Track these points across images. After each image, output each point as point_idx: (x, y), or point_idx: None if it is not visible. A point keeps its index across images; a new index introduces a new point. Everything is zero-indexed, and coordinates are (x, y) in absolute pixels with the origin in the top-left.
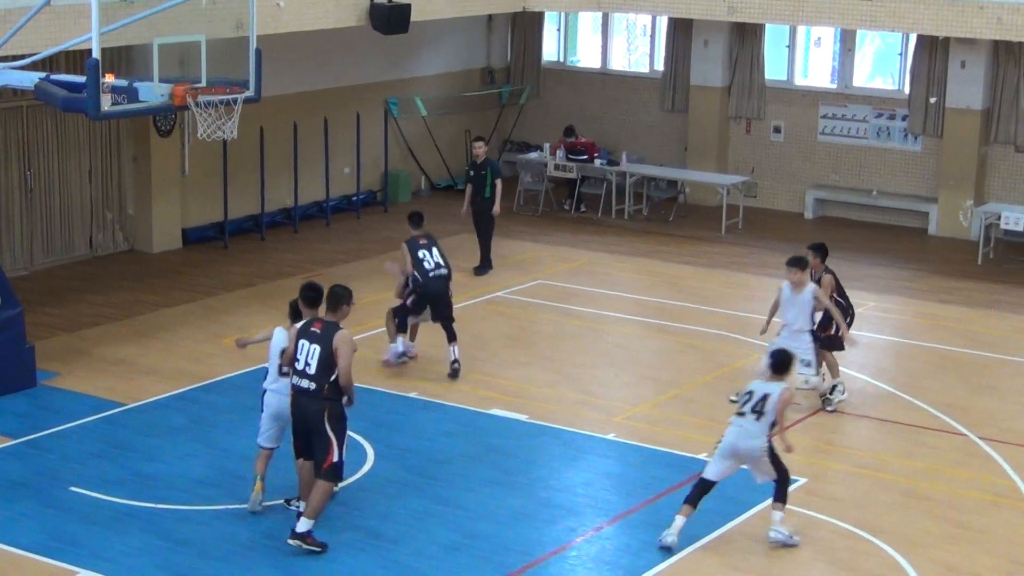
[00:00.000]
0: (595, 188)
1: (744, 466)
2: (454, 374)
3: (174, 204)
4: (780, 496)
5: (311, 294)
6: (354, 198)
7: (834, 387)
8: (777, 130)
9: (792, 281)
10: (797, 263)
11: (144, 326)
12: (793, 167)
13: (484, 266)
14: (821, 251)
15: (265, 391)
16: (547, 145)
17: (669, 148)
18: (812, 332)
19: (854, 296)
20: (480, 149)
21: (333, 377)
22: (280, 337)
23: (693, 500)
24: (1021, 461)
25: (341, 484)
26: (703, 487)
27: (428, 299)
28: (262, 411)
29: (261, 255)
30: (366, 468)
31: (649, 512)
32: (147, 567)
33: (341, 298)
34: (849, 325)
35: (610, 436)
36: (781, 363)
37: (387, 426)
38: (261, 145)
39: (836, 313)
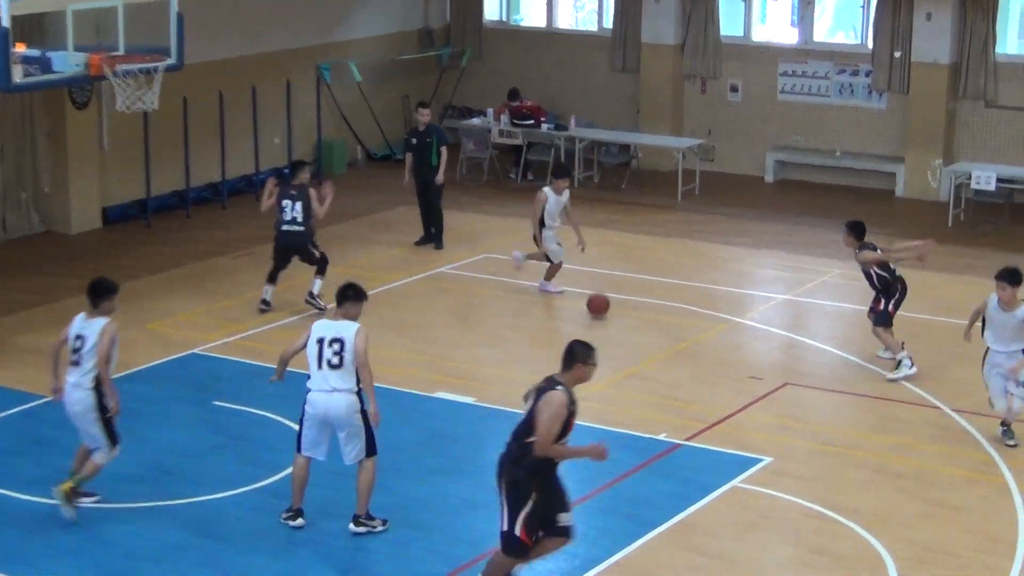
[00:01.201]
0: (542, 155)
1: None
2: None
3: (92, 181)
4: None
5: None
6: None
7: (899, 362)
8: (734, 89)
9: (1001, 298)
10: (1007, 277)
11: (63, 312)
12: (752, 128)
13: (438, 239)
14: (857, 229)
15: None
16: (491, 110)
17: (620, 111)
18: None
19: (818, 263)
20: (425, 115)
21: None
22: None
23: None
24: (997, 434)
25: (273, 478)
26: None
27: (280, 252)
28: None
29: (187, 234)
30: None
31: (607, 497)
32: (70, 570)
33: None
34: (900, 300)
35: None
36: None
37: None
38: (185, 116)
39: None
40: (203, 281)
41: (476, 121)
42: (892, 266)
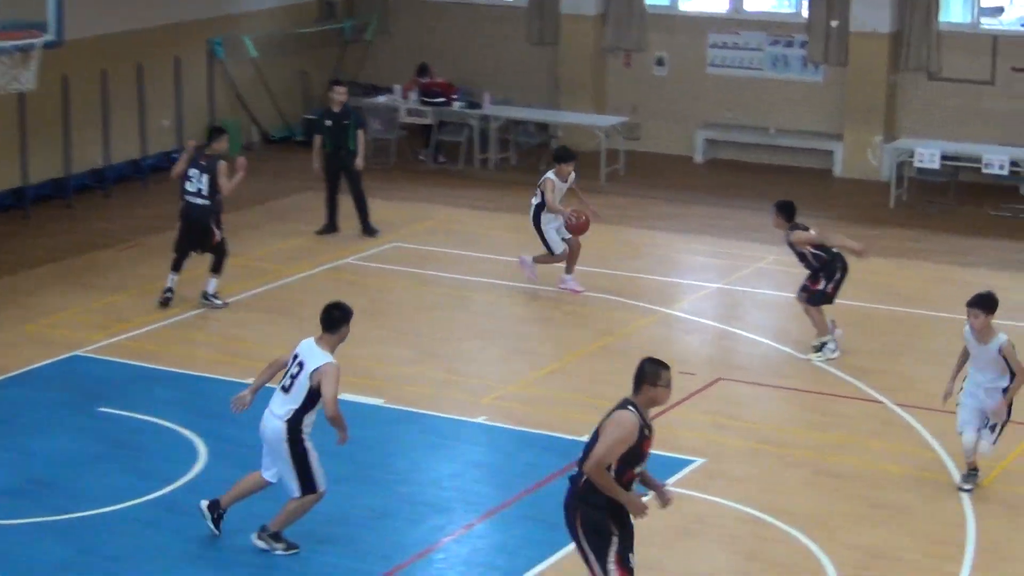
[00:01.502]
0: (454, 135)
1: None
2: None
3: None
4: None
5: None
6: (175, 154)
7: (823, 344)
8: (660, 63)
9: (973, 327)
10: (979, 303)
11: None
12: (680, 104)
13: (367, 225)
14: (786, 209)
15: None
16: (398, 87)
17: (538, 87)
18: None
19: (752, 249)
20: (341, 94)
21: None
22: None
23: None
24: (943, 429)
25: (167, 489)
26: None
27: (183, 226)
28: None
29: (68, 224)
30: (197, 468)
31: (527, 505)
32: None
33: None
34: (841, 280)
35: (480, 420)
36: None
37: (220, 418)
38: (65, 97)
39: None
40: (86, 276)
41: (382, 99)
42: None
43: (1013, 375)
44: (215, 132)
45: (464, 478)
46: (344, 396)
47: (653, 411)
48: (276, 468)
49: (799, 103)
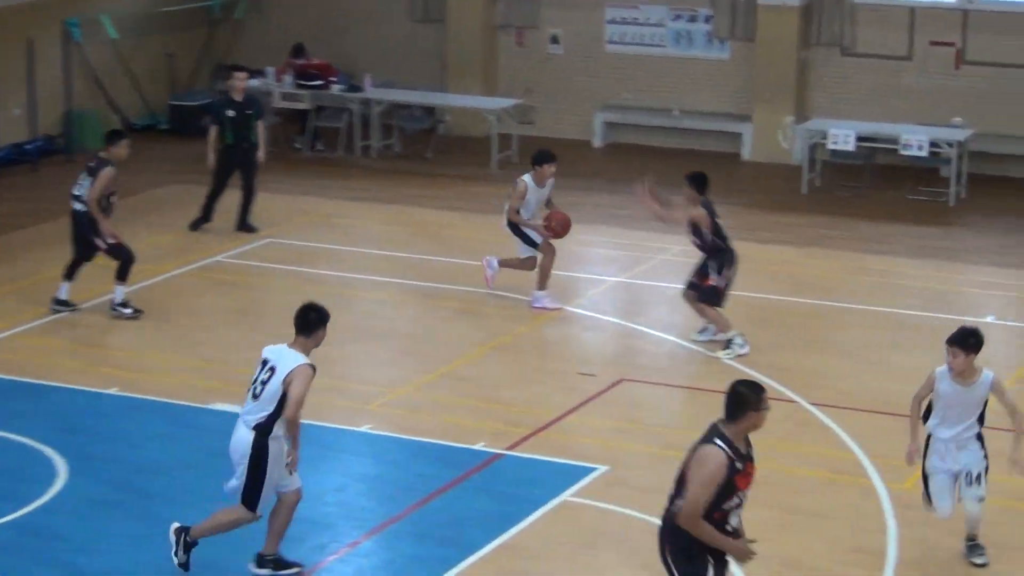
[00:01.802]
0: (333, 120)
1: None
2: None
3: None
4: None
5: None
6: (28, 146)
7: (729, 341)
8: (555, 40)
9: (953, 368)
10: (960, 341)
11: None
12: (576, 85)
13: (245, 223)
14: (697, 180)
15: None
16: (271, 70)
17: (424, 67)
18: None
19: (655, 240)
20: (242, 80)
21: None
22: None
23: None
24: (861, 429)
25: (23, 511)
26: None
27: (71, 229)
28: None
29: None
30: (57, 487)
31: (417, 519)
32: None
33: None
34: (732, 276)
35: (364, 428)
36: None
37: (82, 432)
38: None
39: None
40: None
41: (255, 83)
42: (725, 233)
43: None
44: (112, 136)
45: (348, 492)
46: (215, 406)
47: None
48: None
49: (704, 82)
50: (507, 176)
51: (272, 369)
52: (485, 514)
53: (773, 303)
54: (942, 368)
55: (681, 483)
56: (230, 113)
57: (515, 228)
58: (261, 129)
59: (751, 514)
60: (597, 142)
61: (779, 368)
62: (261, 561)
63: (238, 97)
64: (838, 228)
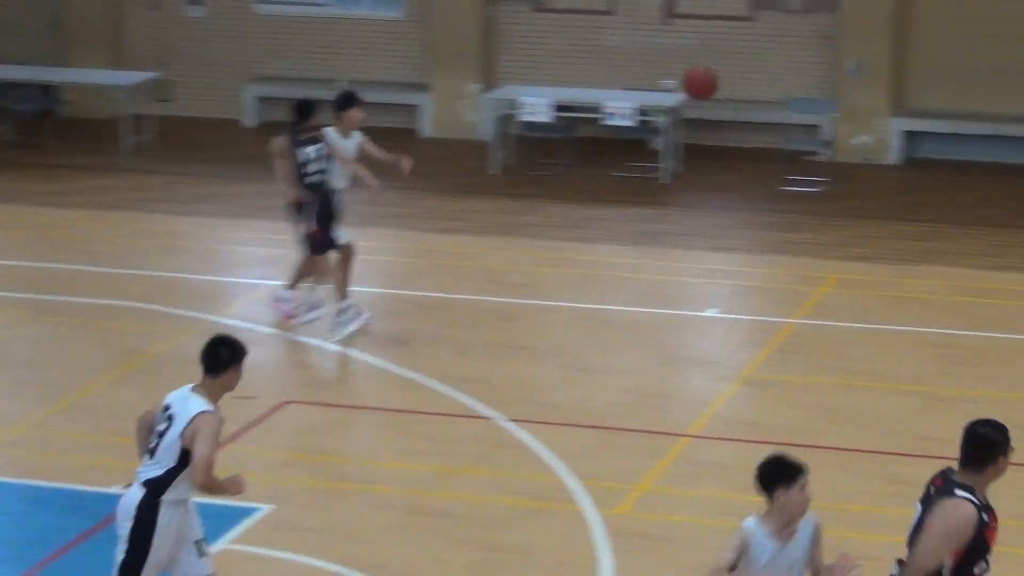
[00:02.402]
0: None
1: None
2: None
3: None
4: None
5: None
6: None
7: (343, 309)
8: (195, 1)
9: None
10: (769, 476)
11: None
12: (222, 55)
13: None
14: (302, 107)
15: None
16: None
17: (37, 38)
18: None
19: None
20: None
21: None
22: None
23: None
24: (568, 447)
25: None
26: None
27: None
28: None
29: None
30: None
31: None
32: None
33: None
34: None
35: None
36: None
37: None
38: None
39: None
40: None
41: None
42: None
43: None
44: None
45: None
46: None
47: (226, 446)
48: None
49: (372, 47)
50: (142, 164)
51: (170, 418)
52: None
53: (459, 303)
54: (749, 521)
55: (915, 537)
56: None
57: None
58: None
59: (446, 553)
60: (248, 121)
61: (468, 379)
62: None
63: None
64: (535, 213)
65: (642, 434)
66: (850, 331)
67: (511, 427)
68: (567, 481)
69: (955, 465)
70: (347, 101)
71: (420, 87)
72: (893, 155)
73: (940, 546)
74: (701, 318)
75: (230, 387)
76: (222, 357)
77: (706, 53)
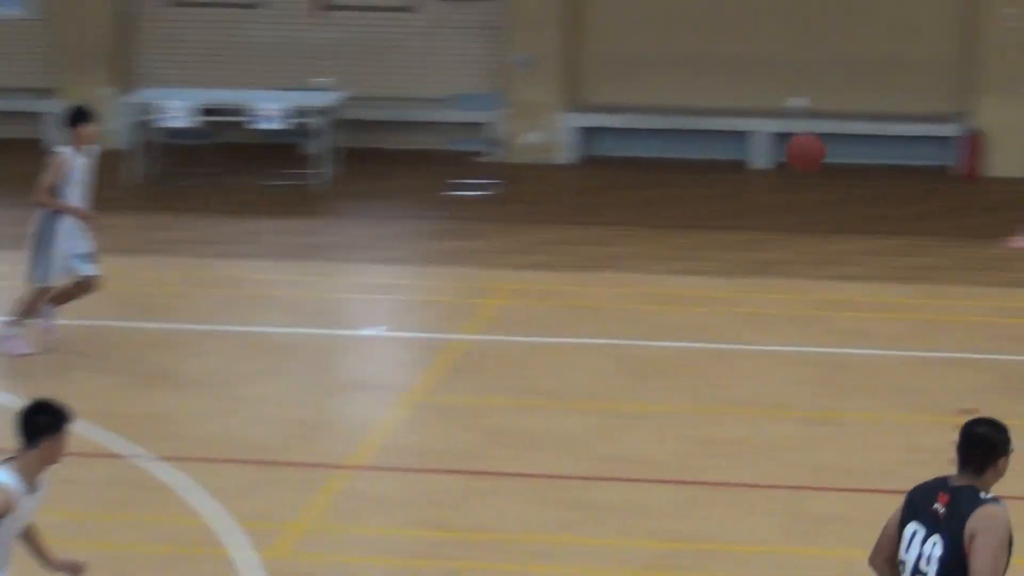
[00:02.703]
0: None
1: None
2: None
3: None
4: None
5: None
6: None
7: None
8: None
9: None
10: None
11: None
12: None
13: None
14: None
15: None
16: None
17: None
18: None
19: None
20: None
21: None
22: None
23: None
24: (219, 486)
25: None
26: None
27: None
28: None
29: None
30: None
31: None
32: None
33: None
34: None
35: None
36: None
37: None
38: None
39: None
40: None
41: None
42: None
43: None
44: None
45: None
46: None
47: None
48: None
49: None
50: None
51: None
52: None
53: (94, 330)
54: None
55: (951, 560)
56: None
57: (40, 244)
58: None
59: None
60: None
61: (110, 414)
62: None
63: None
64: (177, 228)
65: (301, 467)
66: (526, 346)
67: (157, 466)
68: (219, 523)
69: (944, 473)
70: (82, 115)
71: (47, 92)
72: (568, 153)
73: (1000, 555)
74: (363, 337)
75: (51, 459)
76: (39, 424)
77: (365, 49)
